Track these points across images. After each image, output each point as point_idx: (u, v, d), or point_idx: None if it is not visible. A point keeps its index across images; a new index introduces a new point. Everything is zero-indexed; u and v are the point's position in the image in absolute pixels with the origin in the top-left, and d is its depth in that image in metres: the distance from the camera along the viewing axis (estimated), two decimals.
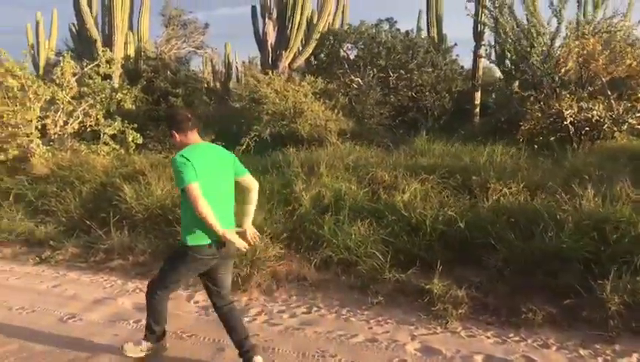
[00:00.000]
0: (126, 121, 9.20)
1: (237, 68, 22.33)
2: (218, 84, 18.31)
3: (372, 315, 4.28)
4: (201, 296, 4.72)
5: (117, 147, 8.97)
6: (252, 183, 3.49)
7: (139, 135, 9.07)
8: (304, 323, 4.15)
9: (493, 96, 14.16)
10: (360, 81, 11.99)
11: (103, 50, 10.35)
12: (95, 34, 13.58)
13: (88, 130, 9.70)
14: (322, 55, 15.77)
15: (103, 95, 9.33)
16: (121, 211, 6.73)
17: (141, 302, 4.57)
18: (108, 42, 13.73)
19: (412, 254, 4.97)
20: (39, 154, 8.77)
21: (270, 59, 17.40)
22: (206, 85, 16.50)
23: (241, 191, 3.51)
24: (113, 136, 9.64)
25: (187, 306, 4.56)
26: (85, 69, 10.15)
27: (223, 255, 3.29)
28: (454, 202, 5.81)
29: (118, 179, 7.54)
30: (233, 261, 3.66)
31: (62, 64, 9.31)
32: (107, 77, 10.87)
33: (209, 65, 19.64)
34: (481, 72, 14.11)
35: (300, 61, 17.31)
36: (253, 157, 9.08)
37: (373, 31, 14.32)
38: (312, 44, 17.24)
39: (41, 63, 18.74)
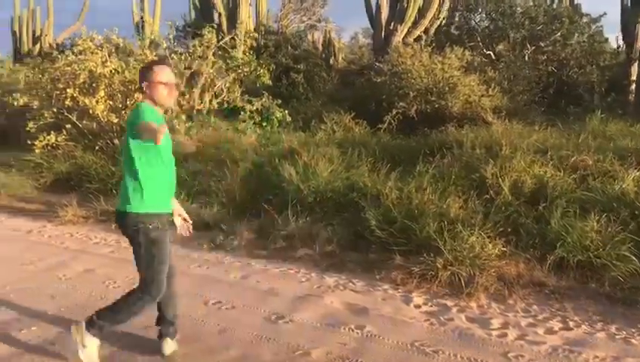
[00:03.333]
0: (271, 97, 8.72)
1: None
2: (338, 59, 17.63)
3: None
4: (420, 299, 4.09)
5: (264, 124, 8.51)
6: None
7: (286, 112, 8.55)
8: (572, 342, 3.39)
9: None
10: (510, 53, 10.90)
11: (239, 23, 9.89)
12: (220, 7, 13.24)
13: (226, 105, 9.33)
14: (444, 26, 14.70)
15: (247, 69, 8.86)
16: (284, 193, 6.24)
17: (353, 302, 4.01)
18: (232, 17, 13.36)
19: None
20: (184, 131, 8.47)
21: (383, 33, 16.61)
22: (324, 60, 15.89)
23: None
24: (251, 113, 9.22)
25: (409, 311, 3.92)
26: (220, 42, 9.75)
27: None
28: None
29: (276, 159, 7.06)
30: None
31: (205, 36, 8.91)
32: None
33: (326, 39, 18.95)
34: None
35: (415, 34, 16.42)
36: (402, 137, 8.37)
37: None
38: (428, 17, 16.32)
39: (146, 42, 18.84)
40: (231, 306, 4.07)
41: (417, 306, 3.99)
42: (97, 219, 6.55)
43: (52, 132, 8.92)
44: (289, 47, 14.30)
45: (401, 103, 9.12)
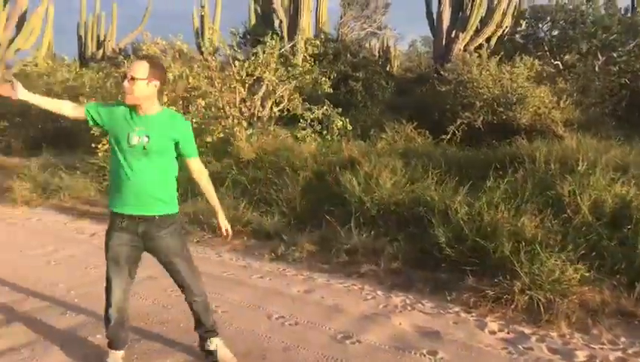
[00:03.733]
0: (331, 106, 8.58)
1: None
2: (394, 67, 17.45)
3: None
4: (495, 324, 3.83)
5: (324, 132, 8.38)
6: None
7: (347, 120, 8.39)
8: None
9: None
10: (581, 64, 10.42)
11: (301, 30, 9.82)
12: (282, 14, 13.25)
13: (286, 113, 9.26)
14: (507, 35, 14.27)
15: (308, 77, 8.77)
16: (346, 204, 6.08)
17: (423, 324, 3.79)
18: (293, 24, 13.36)
19: None
20: (244, 138, 8.44)
21: (444, 40, 16.29)
22: (382, 68, 15.69)
23: None
24: (311, 122, 9.11)
25: (484, 337, 3.67)
26: (282, 50, 9.70)
27: None
28: None
29: (338, 168, 6.92)
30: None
31: (268, 42, 8.86)
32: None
33: (382, 46, 18.80)
34: None
35: (477, 43, 16.04)
36: (468, 149, 8.04)
37: (583, 8, 12.57)
38: (491, 26, 15.99)
39: (205, 47, 19.05)
40: (294, 322, 3.92)
41: (492, 332, 3.73)
42: None
43: None
44: (348, 55, 14.17)
45: (466, 113, 8.82)
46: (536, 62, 9.68)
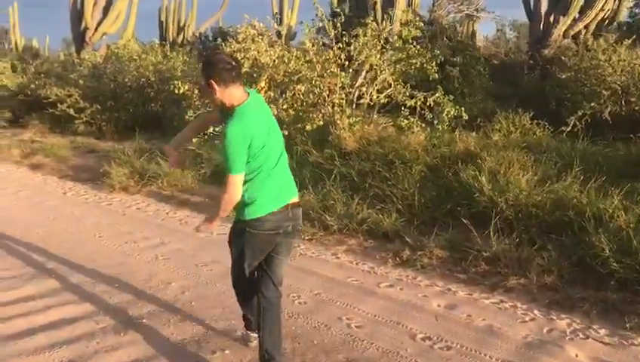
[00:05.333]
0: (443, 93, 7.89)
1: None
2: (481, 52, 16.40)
3: None
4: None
5: (435, 121, 7.72)
6: None
7: (462, 109, 7.69)
8: None
9: None
10: None
11: (404, 11, 9.15)
12: None
13: (388, 100, 8.64)
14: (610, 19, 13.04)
15: (414, 61, 8.10)
16: (471, 204, 5.44)
17: (606, 359, 3.13)
18: (387, 5, 12.68)
19: None
20: (346, 127, 7.91)
21: (542, 25, 15.17)
22: (482, 53, 14.77)
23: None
24: (413, 110, 8.47)
25: None
26: (385, 31, 9.04)
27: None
28: None
29: (458, 162, 6.29)
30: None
31: (370, 25, 8.24)
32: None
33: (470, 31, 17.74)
34: None
35: (578, 28, 14.86)
36: (605, 144, 7.09)
37: None
38: (596, 9, 14.80)
39: (283, 32, 18.57)
40: (445, 345, 3.38)
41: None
42: None
43: None
44: (444, 39, 13.37)
45: (591, 103, 7.91)
46: None
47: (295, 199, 2.90)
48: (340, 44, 8.09)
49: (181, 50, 16.56)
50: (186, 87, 9.17)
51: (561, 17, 14.81)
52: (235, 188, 2.64)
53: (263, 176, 2.71)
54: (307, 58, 8.27)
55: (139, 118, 11.84)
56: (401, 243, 5.11)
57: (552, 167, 6.07)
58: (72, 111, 11.37)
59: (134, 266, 4.79)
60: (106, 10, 19.59)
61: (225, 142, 2.57)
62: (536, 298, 4.01)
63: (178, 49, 16.88)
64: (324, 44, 9.80)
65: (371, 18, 8.92)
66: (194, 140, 8.74)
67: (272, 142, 2.74)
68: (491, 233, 4.72)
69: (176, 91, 9.22)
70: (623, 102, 8.01)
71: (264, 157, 2.68)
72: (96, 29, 19.55)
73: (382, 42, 8.11)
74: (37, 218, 6.33)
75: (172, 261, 4.94)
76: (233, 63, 2.66)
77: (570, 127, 8.14)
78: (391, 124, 8.60)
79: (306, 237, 5.47)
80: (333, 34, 8.01)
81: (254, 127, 2.63)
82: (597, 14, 14.82)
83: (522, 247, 4.60)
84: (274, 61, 8.24)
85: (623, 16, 15.82)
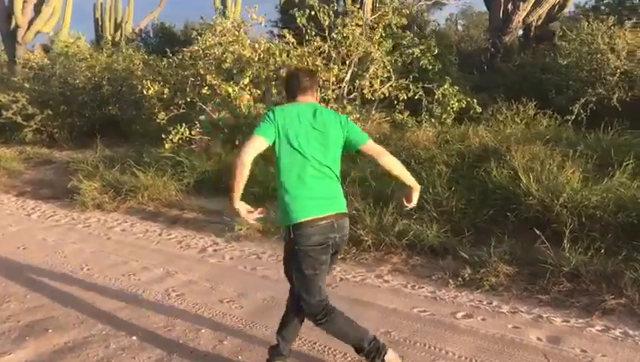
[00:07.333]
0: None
1: None
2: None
3: None
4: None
5: (444, 116, 7.11)
6: (379, 149, 2.81)
7: (475, 101, 7.11)
8: None
9: None
10: None
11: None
12: None
13: (387, 95, 7.97)
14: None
15: (415, 51, 7.47)
16: (522, 208, 4.86)
17: None
18: None
19: None
20: None
21: (501, 12, 14.99)
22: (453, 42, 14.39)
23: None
24: (411, 104, 7.87)
25: None
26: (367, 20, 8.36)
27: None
28: None
29: (485, 159, 5.71)
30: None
31: (355, 13, 7.53)
32: None
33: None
34: None
35: (539, 12, 14.78)
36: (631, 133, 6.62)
37: None
38: None
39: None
40: None
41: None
42: (280, 235, 5.34)
43: (183, 124, 7.80)
44: (415, 27, 12.86)
45: (599, 90, 7.52)
46: None
47: (341, 211, 2.75)
48: (328, 35, 7.36)
49: (130, 47, 15.36)
50: (156, 88, 8.22)
51: (521, 3, 14.66)
52: (249, 143, 2.56)
53: (298, 176, 2.61)
54: (297, 52, 7.50)
55: (95, 123, 10.70)
56: (454, 259, 4.46)
57: (588, 161, 5.59)
58: (19, 119, 10.09)
59: (144, 308, 3.91)
60: (38, 7, 17.94)
61: None
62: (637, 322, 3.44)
63: (128, 46, 15.71)
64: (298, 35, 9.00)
65: (357, 6, 8.22)
66: (167, 146, 7.86)
67: (312, 144, 2.64)
68: (565, 243, 4.13)
69: (145, 92, 8.26)
70: (627, 87, 7.66)
71: (299, 157, 2.61)
72: (28, 27, 17.89)
73: (380, 31, 7.41)
74: (1, 249, 5.29)
75: (188, 297, 4.09)
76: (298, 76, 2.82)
77: (574, 116, 7.72)
78: (390, 120, 7.96)
79: (339, 256, 4.73)
80: (327, 22, 7.24)
81: (289, 116, 2.64)
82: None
83: (599, 258, 4.04)
84: (259, 55, 7.41)
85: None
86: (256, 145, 2.57)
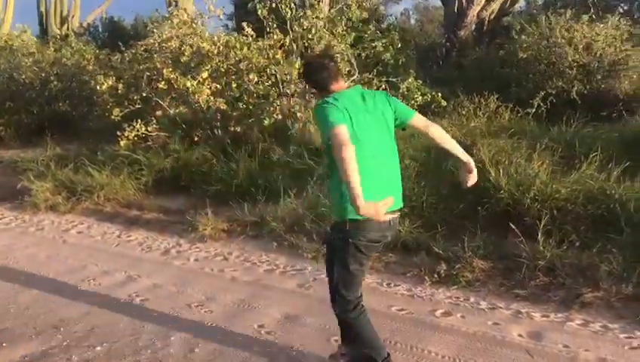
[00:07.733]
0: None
1: None
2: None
3: None
4: None
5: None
6: (425, 120, 2.72)
7: (439, 94, 7.06)
8: None
9: None
10: None
11: None
12: None
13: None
14: None
15: (375, 45, 7.38)
16: (493, 202, 4.82)
17: None
18: None
19: None
20: (305, 120, 7.06)
21: (456, 7, 15.15)
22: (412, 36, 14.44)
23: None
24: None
25: None
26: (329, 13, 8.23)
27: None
28: None
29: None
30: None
31: (316, 5, 7.36)
32: None
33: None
34: None
35: (492, 7, 15.04)
36: (593, 126, 6.67)
37: None
38: None
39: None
40: None
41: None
42: (247, 235, 5.17)
43: (138, 121, 7.46)
44: (374, 21, 12.81)
45: (559, 83, 7.61)
46: (622, 21, 8.44)
47: (400, 207, 2.62)
48: (290, 28, 7.18)
49: (80, 41, 14.74)
50: (109, 83, 7.85)
51: None
52: (341, 138, 2.25)
53: (362, 167, 2.26)
54: (258, 45, 7.29)
55: (44, 120, 10.20)
56: (427, 255, 4.38)
57: (554, 154, 5.62)
58: None
59: (107, 316, 3.68)
60: None
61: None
62: (623, 314, 3.43)
63: (77, 40, 15.08)
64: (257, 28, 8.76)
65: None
66: (122, 143, 7.53)
67: (373, 130, 2.50)
68: (539, 237, 4.10)
69: (98, 88, 7.90)
70: (586, 80, 7.78)
71: (363, 146, 2.38)
72: None
73: (343, 24, 7.28)
74: None
75: (154, 303, 3.88)
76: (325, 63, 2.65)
77: (534, 109, 7.78)
78: None
79: (310, 256, 4.60)
80: (289, 15, 7.05)
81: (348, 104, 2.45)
82: None
83: (573, 251, 4.03)
84: (219, 48, 7.17)
85: None
86: (346, 133, 2.29)
